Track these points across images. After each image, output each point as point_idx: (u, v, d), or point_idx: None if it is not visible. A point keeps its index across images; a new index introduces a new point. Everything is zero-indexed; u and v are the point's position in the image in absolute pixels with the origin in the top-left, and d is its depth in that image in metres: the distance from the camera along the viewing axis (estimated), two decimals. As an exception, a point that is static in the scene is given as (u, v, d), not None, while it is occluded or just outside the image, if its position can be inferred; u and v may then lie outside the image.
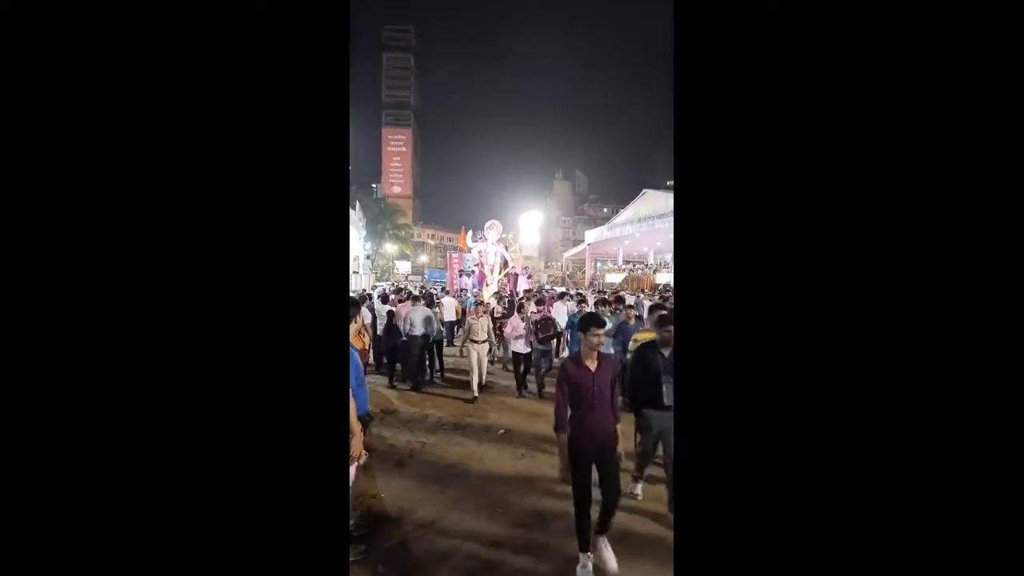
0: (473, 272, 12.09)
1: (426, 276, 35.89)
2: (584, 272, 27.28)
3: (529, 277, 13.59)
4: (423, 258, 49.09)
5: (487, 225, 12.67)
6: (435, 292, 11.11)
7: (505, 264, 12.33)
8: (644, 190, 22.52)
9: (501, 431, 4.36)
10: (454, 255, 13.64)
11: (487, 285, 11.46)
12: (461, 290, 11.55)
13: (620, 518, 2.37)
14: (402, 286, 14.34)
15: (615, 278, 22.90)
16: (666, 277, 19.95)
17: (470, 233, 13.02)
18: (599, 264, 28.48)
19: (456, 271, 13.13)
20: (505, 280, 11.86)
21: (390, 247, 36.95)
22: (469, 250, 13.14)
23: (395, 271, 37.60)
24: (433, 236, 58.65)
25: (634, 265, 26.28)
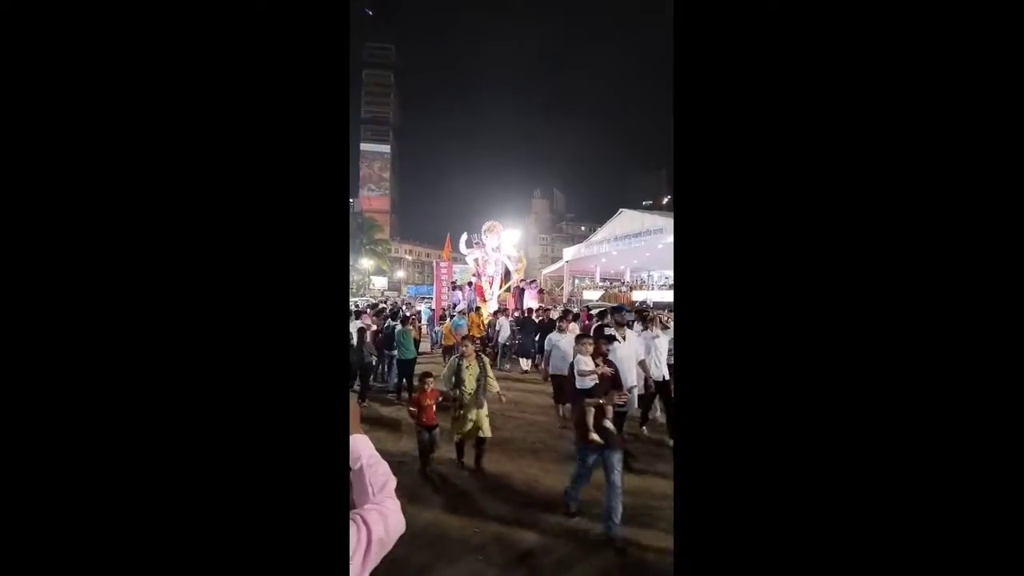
0: (468, 285, 9.62)
1: (408, 291, 34.98)
2: (562, 289, 27.71)
3: (540, 291, 10.07)
4: (400, 274, 48.68)
5: (485, 227, 9.94)
6: (405, 308, 9.51)
7: (507, 275, 9.76)
8: (620, 209, 23.23)
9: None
10: (442, 264, 11.01)
11: (485, 301, 9.23)
12: (453, 306, 9.46)
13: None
14: (376, 302, 13.47)
15: (593, 295, 23.45)
16: (642, 295, 20.62)
17: (463, 237, 10.18)
18: (577, 281, 29.03)
19: (445, 284, 10.41)
20: (508, 295, 9.37)
21: (366, 262, 36.51)
22: (455, 259, 10.73)
23: (371, 287, 37.08)
24: (411, 252, 58.37)
25: (611, 283, 26.97)
